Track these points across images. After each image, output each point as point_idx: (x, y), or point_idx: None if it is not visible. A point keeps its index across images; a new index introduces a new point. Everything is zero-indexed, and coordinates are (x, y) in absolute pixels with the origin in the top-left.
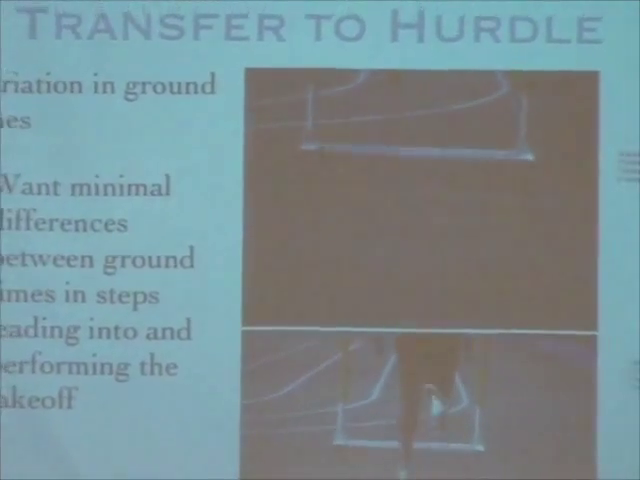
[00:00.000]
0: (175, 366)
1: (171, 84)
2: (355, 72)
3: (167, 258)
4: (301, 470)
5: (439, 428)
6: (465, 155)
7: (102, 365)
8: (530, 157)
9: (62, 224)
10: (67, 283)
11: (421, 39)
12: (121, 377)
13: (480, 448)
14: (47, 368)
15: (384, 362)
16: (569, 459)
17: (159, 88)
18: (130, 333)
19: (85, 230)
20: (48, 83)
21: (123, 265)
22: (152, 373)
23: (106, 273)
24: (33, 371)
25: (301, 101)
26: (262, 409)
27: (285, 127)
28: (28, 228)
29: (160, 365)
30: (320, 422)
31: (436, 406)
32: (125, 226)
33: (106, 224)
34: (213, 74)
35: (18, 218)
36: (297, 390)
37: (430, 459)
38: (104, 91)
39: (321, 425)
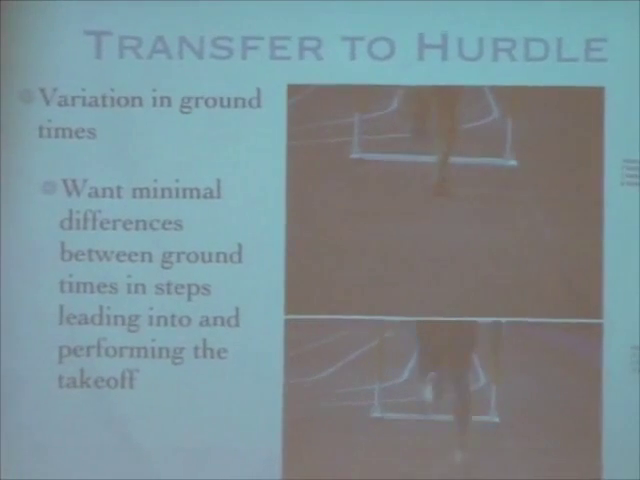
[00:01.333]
0: (225, 350)
1: (221, 99)
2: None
3: (218, 254)
4: (343, 438)
5: (421, 410)
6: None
7: (160, 349)
8: (541, 163)
9: (124, 224)
10: (129, 276)
11: (445, 58)
12: (177, 360)
13: (496, 420)
14: (111, 352)
15: (413, 348)
16: (576, 432)
17: (211, 102)
18: (185, 321)
19: (145, 229)
20: (112, 98)
21: (179, 260)
22: (204, 357)
23: (163, 267)
24: (99, 355)
25: (338, 114)
26: (305, 389)
27: (322, 136)
28: (94, 227)
29: (212, 350)
30: (359, 398)
31: (428, 393)
32: (180, 225)
33: (163, 223)
34: (259, 90)
35: (85, 218)
36: (337, 372)
37: (454, 429)
38: (162, 105)
39: (360, 401)
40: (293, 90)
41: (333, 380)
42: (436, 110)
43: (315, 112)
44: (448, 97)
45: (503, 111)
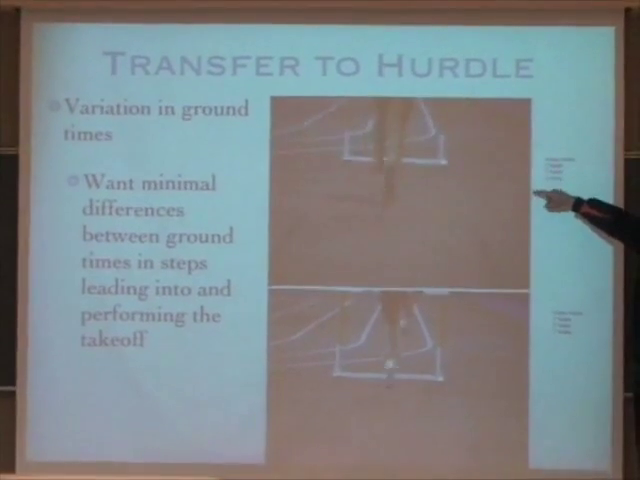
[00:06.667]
0: (219, 315)
1: (216, 108)
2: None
3: (213, 235)
4: (308, 395)
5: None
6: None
7: (165, 314)
8: (472, 161)
9: (136, 211)
10: (139, 254)
11: (400, 74)
12: (179, 323)
13: (440, 379)
14: (125, 317)
15: (370, 315)
16: (507, 387)
17: (207, 111)
18: (186, 291)
19: (152, 215)
20: (125, 107)
21: (180, 241)
22: (202, 321)
23: (168, 247)
24: (114, 319)
25: (311, 118)
26: (282, 349)
27: (300, 138)
28: (111, 214)
29: (208, 315)
30: (323, 359)
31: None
32: (182, 212)
33: (168, 211)
34: (247, 100)
35: (103, 207)
36: (307, 335)
37: (403, 386)
38: (166, 113)
39: (324, 361)
40: (281, 105)
41: (302, 343)
42: (389, 121)
43: (300, 123)
44: (400, 110)
45: (443, 123)
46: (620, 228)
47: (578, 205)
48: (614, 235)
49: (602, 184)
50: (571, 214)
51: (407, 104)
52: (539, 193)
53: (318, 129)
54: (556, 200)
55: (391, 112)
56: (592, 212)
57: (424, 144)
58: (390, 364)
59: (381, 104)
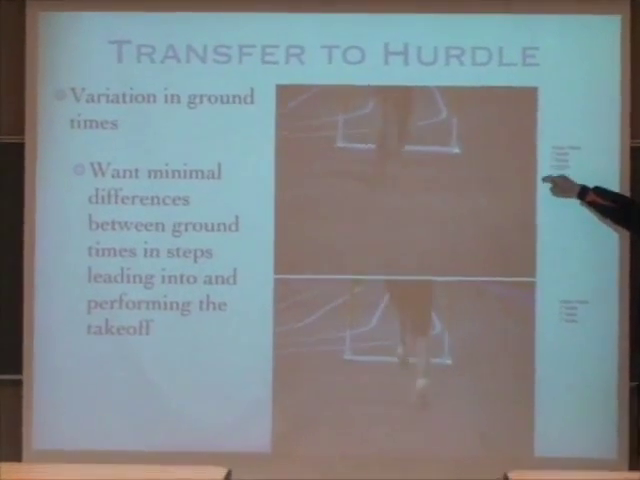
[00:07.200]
0: (225, 304)
1: (222, 96)
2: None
3: (218, 224)
4: (319, 377)
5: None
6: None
7: (171, 303)
8: (482, 150)
9: (141, 199)
10: (145, 242)
11: (406, 63)
12: (185, 312)
13: (449, 362)
14: (130, 305)
15: (379, 301)
16: (513, 376)
17: (213, 99)
18: (192, 279)
19: (158, 204)
20: (131, 95)
21: (186, 229)
22: (208, 309)
23: (174, 235)
24: (120, 307)
25: (316, 107)
26: (288, 337)
27: (305, 126)
28: (116, 202)
29: (214, 303)
30: (333, 343)
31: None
32: (188, 201)
33: (174, 199)
34: (252, 89)
35: (109, 195)
36: (316, 321)
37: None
38: (172, 101)
39: (334, 345)
40: (286, 93)
41: (311, 328)
42: (395, 109)
43: (305, 112)
44: (406, 99)
45: (450, 111)
46: (626, 216)
47: (584, 193)
48: (620, 223)
49: (608, 172)
50: (577, 203)
51: (417, 91)
52: (546, 178)
53: (322, 115)
54: (561, 185)
55: (401, 99)
56: (597, 200)
57: (433, 131)
58: (400, 350)
59: (391, 90)
